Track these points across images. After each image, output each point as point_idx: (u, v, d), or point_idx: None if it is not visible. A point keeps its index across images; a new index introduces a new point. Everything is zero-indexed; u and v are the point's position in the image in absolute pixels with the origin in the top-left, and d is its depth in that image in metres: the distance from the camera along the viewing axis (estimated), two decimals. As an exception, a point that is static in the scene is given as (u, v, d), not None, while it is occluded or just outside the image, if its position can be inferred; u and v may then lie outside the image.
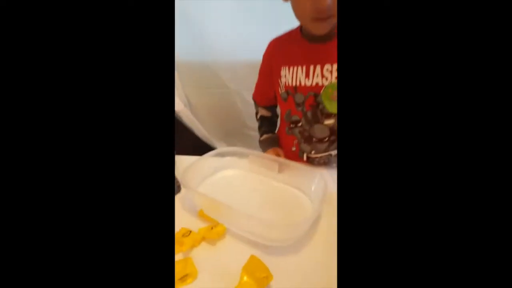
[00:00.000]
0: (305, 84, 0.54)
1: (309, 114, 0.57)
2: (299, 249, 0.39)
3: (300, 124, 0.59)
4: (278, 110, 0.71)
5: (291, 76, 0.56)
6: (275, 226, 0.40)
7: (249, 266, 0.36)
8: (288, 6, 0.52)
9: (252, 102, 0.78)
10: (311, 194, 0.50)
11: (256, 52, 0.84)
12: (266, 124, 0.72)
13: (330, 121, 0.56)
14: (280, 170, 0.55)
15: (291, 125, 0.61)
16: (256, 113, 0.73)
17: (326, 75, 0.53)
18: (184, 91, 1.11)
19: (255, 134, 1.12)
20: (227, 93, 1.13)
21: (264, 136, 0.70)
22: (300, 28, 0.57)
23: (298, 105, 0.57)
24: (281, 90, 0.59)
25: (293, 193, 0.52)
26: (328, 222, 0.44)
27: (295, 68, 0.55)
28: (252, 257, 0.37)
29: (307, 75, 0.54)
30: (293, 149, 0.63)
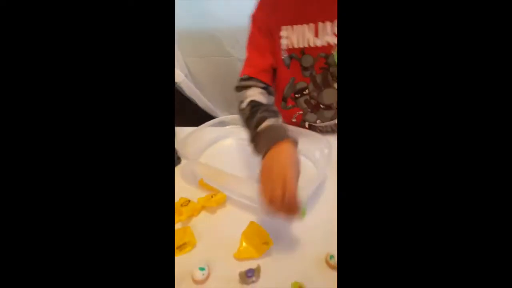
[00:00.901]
0: (314, 44, 0.47)
1: (318, 78, 0.50)
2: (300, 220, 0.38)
3: (306, 91, 0.52)
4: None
5: (296, 36, 0.47)
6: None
7: (248, 232, 0.35)
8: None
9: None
10: (315, 159, 0.47)
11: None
12: (263, 109, 0.43)
13: (336, 84, 0.51)
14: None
15: (296, 95, 0.53)
16: (241, 102, 0.46)
17: (336, 33, 0.46)
18: (184, 60, 1.06)
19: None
20: (230, 61, 1.08)
21: (267, 122, 0.40)
22: None
23: (305, 69, 0.49)
24: (283, 55, 0.49)
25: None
26: (331, 188, 0.42)
27: (301, 27, 0.47)
28: (252, 223, 0.36)
29: (316, 34, 0.46)
30: (294, 120, 0.57)
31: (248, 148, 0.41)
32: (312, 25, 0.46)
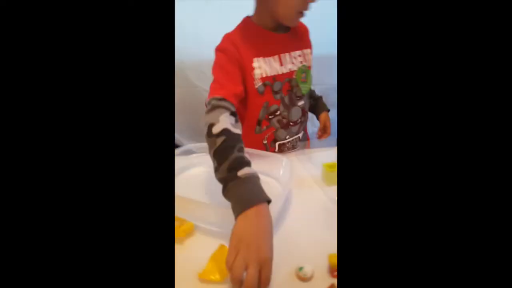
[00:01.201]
0: (282, 71, 0.57)
1: (286, 99, 0.59)
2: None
3: (278, 112, 0.59)
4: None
5: (268, 66, 0.55)
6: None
7: (217, 255, 0.34)
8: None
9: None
10: (278, 176, 0.50)
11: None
12: (239, 147, 0.40)
13: (301, 102, 0.62)
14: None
15: (270, 117, 0.59)
16: (211, 125, 0.42)
17: (294, 61, 0.59)
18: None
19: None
20: (195, 92, 1.12)
21: (246, 170, 0.37)
22: (249, 21, 0.57)
23: (276, 93, 0.57)
24: (256, 84, 0.55)
25: (263, 180, 0.51)
26: (296, 202, 0.44)
27: (269, 58, 0.56)
28: (222, 246, 0.35)
29: (281, 63, 0.57)
30: (265, 141, 0.62)
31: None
32: (276, 56, 0.57)
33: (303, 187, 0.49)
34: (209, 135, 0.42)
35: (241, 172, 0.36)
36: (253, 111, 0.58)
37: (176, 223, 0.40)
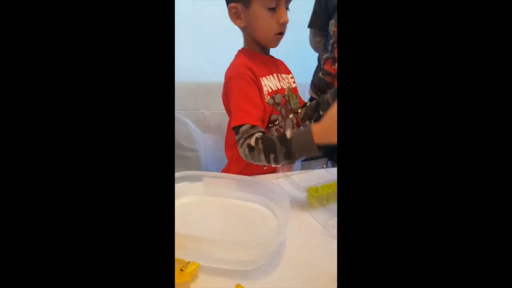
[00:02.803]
0: (281, 87, 0.68)
1: (283, 110, 0.69)
2: (273, 268, 0.39)
3: (276, 122, 0.67)
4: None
5: (271, 83, 0.66)
6: (247, 246, 0.38)
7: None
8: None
9: (184, 121, 0.75)
10: (272, 207, 0.51)
11: (189, 75, 0.84)
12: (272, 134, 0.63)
13: (291, 115, 0.72)
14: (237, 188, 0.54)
15: (269, 125, 0.67)
16: (249, 145, 0.53)
17: (283, 81, 0.70)
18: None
19: (193, 154, 1.07)
20: (177, 118, 1.05)
21: (294, 131, 0.55)
22: (246, 50, 0.67)
23: (277, 104, 0.66)
24: (266, 98, 0.64)
25: (255, 208, 0.52)
26: (293, 234, 0.45)
27: (271, 77, 0.67)
28: (238, 286, 0.34)
29: (279, 80, 0.69)
30: None
31: (211, 204, 0.45)
32: (275, 74, 0.68)
33: (292, 211, 0.51)
34: (249, 149, 0.53)
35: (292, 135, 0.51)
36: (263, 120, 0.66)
37: (177, 266, 0.37)
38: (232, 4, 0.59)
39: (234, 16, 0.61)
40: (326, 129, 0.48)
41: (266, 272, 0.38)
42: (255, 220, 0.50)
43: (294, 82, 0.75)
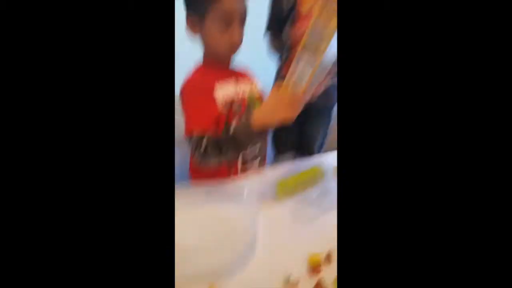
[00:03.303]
0: (241, 95, 0.68)
1: (243, 117, 0.68)
2: (249, 263, 0.40)
3: None
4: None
5: (226, 91, 0.66)
6: (218, 249, 0.40)
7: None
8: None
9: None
10: (244, 206, 0.53)
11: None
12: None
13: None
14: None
15: None
16: (200, 148, 0.57)
17: (241, 89, 0.70)
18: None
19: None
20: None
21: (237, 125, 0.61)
22: (203, 62, 0.67)
23: (236, 112, 0.66)
24: (219, 105, 0.64)
25: (227, 211, 0.54)
26: (265, 227, 0.48)
27: (225, 86, 0.66)
28: (212, 285, 0.36)
29: (236, 88, 0.68)
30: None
31: (182, 213, 0.43)
32: (232, 84, 0.67)
33: (264, 206, 0.54)
34: (202, 157, 0.58)
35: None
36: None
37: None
38: (189, 17, 0.61)
39: (191, 27, 0.62)
40: (263, 113, 0.53)
41: (243, 268, 0.40)
42: (225, 225, 0.51)
43: (258, 90, 0.75)
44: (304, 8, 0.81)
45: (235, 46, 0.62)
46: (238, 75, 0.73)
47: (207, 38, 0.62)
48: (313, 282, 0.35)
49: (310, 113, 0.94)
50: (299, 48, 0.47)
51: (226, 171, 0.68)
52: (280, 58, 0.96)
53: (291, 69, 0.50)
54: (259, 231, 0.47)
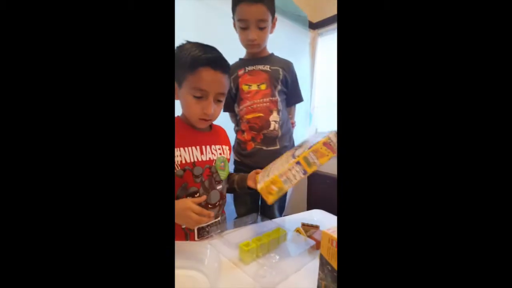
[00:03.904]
0: (201, 159, 0.69)
1: (206, 183, 0.70)
2: None
3: (197, 194, 0.68)
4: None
5: (188, 154, 0.67)
6: None
7: None
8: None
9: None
10: (205, 269, 0.53)
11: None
12: None
13: (220, 187, 0.73)
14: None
15: (188, 197, 0.66)
16: None
17: (214, 152, 0.72)
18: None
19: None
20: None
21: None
22: (179, 119, 0.71)
23: (196, 177, 0.67)
24: (176, 168, 0.65)
25: (188, 275, 0.52)
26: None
27: (190, 148, 0.68)
28: None
29: (201, 153, 0.70)
30: (183, 226, 0.66)
31: None
32: (198, 147, 0.69)
33: (225, 270, 0.54)
34: None
35: None
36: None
37: None
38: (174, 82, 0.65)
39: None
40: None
41: None
42: (187, 285, 0.50)
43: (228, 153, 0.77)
44: (244, 88, 0.99)
45: (207, 116, 0.65)
46: (215, 135, 0.75)
47: (183, 103, 0.66)
48: None
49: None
50: (299, 158, 0.60)
51: (183, 239, 0.67)
52: (234, 129, 1.12)
53: (284, 171, 0.61)
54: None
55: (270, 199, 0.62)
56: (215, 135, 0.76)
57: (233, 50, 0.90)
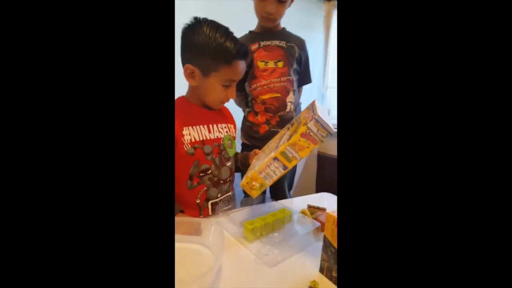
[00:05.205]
0: (209, 137, 0.70)
1: (217, 160, 0.71)
2: None
3: (209, 171, 0.70)
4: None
5: (197, 133, 0.68)
6: (183, 281, 0.40)
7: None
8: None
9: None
10: (209, 244, 0.54)
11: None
12: None
13: (229, 163, 0.74)
14: (176, 231, 0.56)
15: (201, 174, 0.69)
16: None
17: (221, 130, 0.73)
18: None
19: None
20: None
21: None
22: (184, 99, 0.71)
23: (207, 154, 0.69)
24: (186, 147, 0.66)
25: (194, 249, 0.54)
26: (229, 266, 0.49)
27: (199, 127, 0.69)
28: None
29: (209, 131, 0.71)
30: (198, 201, 0.69)
31: None
32: (205, 125, 0.70)
33: (230, 247, 0.55)
34: None
35: None
36: (184, 169, 0.67)
37: None
38: (190, 66, 0.64)
39: (189, 75, 0.65)
40: None
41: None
42: (193, 259, 0.51)
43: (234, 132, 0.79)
44: (260, 65, 0.92)
45: (227, 100, 0.70)
46: (220, 114, 0.76)
47: (208, 90, 0.67)
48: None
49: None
50: (277, 153, 0.56)
51: (197, 213, 0.70)
52: (244, 110, 1.06)
53: (263, 167, 0.58)
54: (223, 270, 0.47)
55: (254, 194, 0.62)
56: (220, 114, 0.78)
57: (237, 21, 0.81)
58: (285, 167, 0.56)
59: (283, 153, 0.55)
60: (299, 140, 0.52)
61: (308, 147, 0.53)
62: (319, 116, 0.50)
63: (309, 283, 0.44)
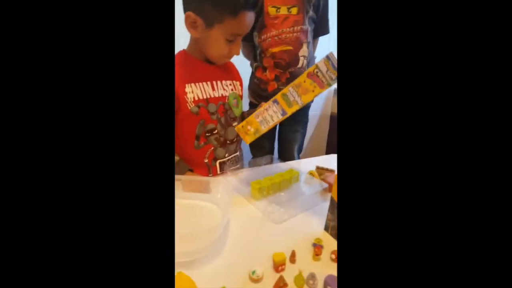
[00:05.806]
0: (214, 95, 0.66)
1: (222, 119, 0.68)
2: (217, 255, 0.43)
3: (215, 131, 0.67)
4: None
5: (200, 90, 0.63)
6: (190, 238, 0.42)
7: (178, 283, 0.36)
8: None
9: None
10: (218, 201, 0.56)
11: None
12: None
13: (236, 123, 0.71)
14: (185, 189, 0.57)
15: (207, 134, 0.67)
16: None
17: (226, 88, 0.68)
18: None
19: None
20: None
21: None
22: (185, 53, 0.65)
23: (212, 114, 0.66)
24: (190, 106, 0.62)
25: (203, 205, 0.56)
26: (236, 223, 0.51)
27: (202, 84, 0.64)
28: (179, 273, 0.38)
29: (213, 89, 0.66)
30: (206, 160, 0.69)
31: None
32: (209, 82, 0.65)
33: (237, 204, 0.57)
34: None
35: None
36: (190, 129, 0.65)
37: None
38: (192, 14, 0.56)
39: (191, 25, 0.58)
40: None
41: (211, 259, 0.42)
42: (202, 215, 0.54)
43: (240, 89, 0.74)
44: (271, 11, 0.80)
45: (231, 56, 0.64)
46: (225, 70, 0.71)
47: (210, 43, 0.60)
48: (275, 278, 0.38)
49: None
50: (278, 95, 0.51)
51: (206, 172, 0.70)
52: (252, 64, 0.96)
53: (260, 110, 0.54)
54: (230, 226, 0.49)
55: (247, 139, 0.59)
56: (225, 70, 0.71)
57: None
58: (284, 113, 0.52)
59: (284, 95, 0.50)
60: (304, 81, 0.46)
61: (313, 91, 0.47)
62: (331, 53, 0.44)
63: (313, 239, 0.45)
